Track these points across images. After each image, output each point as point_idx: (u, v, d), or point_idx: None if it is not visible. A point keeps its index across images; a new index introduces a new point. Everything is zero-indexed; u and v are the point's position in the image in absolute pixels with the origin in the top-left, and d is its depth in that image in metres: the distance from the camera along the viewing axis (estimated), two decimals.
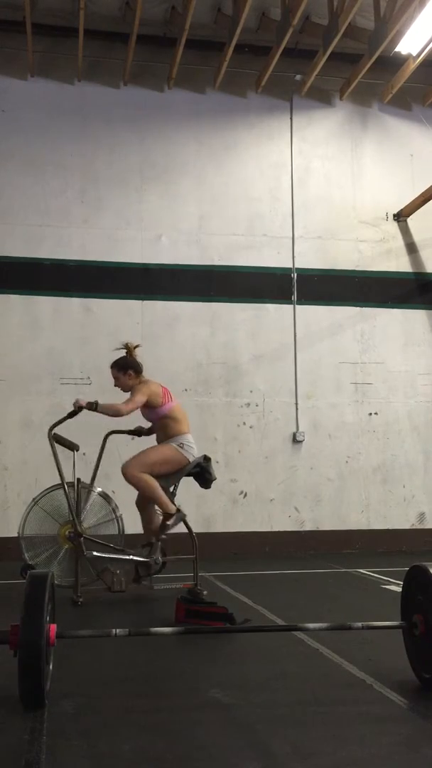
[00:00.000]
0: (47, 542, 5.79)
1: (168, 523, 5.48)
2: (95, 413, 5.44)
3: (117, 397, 5.92)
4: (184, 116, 9.12)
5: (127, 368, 5.64)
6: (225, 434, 8.70)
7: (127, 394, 5.61)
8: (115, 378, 5.67)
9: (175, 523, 5.50)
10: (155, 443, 5.68)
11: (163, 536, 5.53)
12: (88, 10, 8.16)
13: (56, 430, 5.66)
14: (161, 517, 5.57)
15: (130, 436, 6.17)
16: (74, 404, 5.47)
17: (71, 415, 5.56)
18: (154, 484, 5.40)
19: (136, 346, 5.79)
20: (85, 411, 5.43)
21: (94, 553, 5.42)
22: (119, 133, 8.96)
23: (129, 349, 5.74)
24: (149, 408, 5.55)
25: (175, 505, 5.51)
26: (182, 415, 5.62)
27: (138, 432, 6.00)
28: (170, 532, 5.62)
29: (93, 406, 5.35)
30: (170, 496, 5.53)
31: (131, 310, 8.67)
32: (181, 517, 5.51)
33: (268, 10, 8.84)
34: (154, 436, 5.79)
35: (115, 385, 5.71)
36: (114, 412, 5.44)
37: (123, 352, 5.77)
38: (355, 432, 9.01)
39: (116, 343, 5.92)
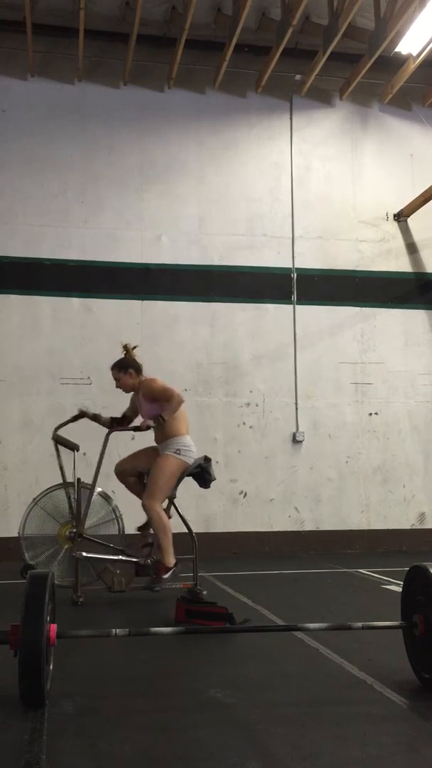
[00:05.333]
0: (47, 542, 5.79)
1: (164, 576, 5.28)
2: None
3: (117, 397, 5.97)
4: (184, 116, 9.12)
5: (127, 367, 5.66)
6: (225, 434, 8.70)
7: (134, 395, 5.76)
8: (116, 379, 5.68)
9: (169, 579, 5.31)
10: (146, 438, 5.73)
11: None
12: (88, 10, 8.16)
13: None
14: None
15: (129, 436, 6.17)
16: (143, 428, 5.47)
17: (137, 429, 5.58)
18: (168, 529, 5.35)
19: (135, 347, 5.81)
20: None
21: (83, 554, 5.38)
22: (119, 133, 8.96)
23: (128, 349, 5.76)
24: (157, 403, 5.53)
25: (175, 558, 5.37)
26: (183, 416, 5.62)
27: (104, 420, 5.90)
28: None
29: (161, 420, 5.39)
30: (171, 496, 5.54)
31: (131, 310, 8.67)
32: (176, 573, 5.34)
33: (268, 10, 8.84)
34: (150, 434, 5.78)
35: (117, 386, 5.73)
36: (176, 406, 5.43)
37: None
38: (355, 432, 9.00)
39: (116, 343, 5.95)
